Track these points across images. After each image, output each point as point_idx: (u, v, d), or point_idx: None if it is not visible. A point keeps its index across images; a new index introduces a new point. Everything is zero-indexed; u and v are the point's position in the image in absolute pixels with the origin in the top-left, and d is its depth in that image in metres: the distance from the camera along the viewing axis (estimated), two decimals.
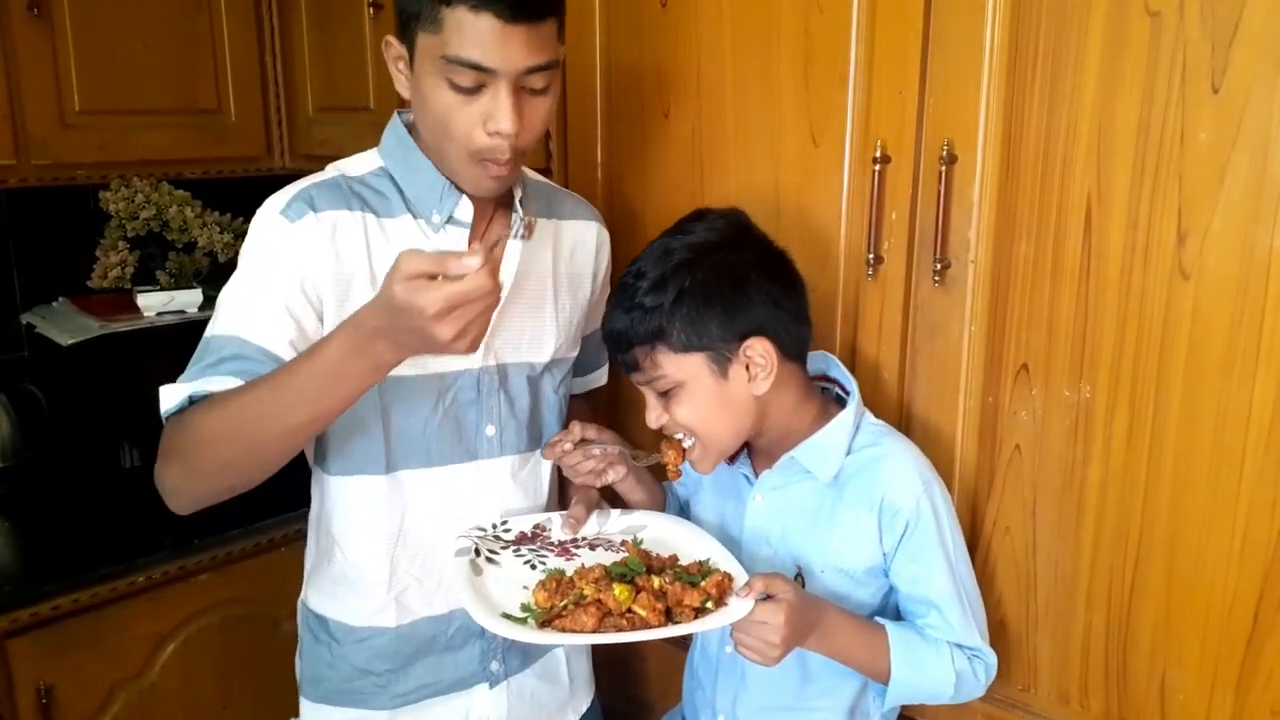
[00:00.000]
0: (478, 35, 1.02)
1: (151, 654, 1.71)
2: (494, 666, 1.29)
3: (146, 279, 2.00)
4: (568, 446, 1.23)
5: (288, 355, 1.09)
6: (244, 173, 2.10)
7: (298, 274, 1.11)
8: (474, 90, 1.06)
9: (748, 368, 1.11)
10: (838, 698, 1.20)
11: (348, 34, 1.91)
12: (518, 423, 1.27)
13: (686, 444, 1.17)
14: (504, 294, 1.15)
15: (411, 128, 1.19)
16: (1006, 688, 1.25)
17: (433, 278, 0.90)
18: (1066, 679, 1.21)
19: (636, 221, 1.53)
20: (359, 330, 0.96)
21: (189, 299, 1.96)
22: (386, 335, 0.95)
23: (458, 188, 1.17)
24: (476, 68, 1.04)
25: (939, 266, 1.20)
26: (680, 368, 1.11)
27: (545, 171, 1.58)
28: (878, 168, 1.22)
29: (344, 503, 1.25)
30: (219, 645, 1.79)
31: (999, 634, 1.23)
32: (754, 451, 1.24)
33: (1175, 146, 1.02)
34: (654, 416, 1.15)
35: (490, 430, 1.25)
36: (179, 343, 1.89)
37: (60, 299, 2.02)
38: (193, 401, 1.08)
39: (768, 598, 1.03)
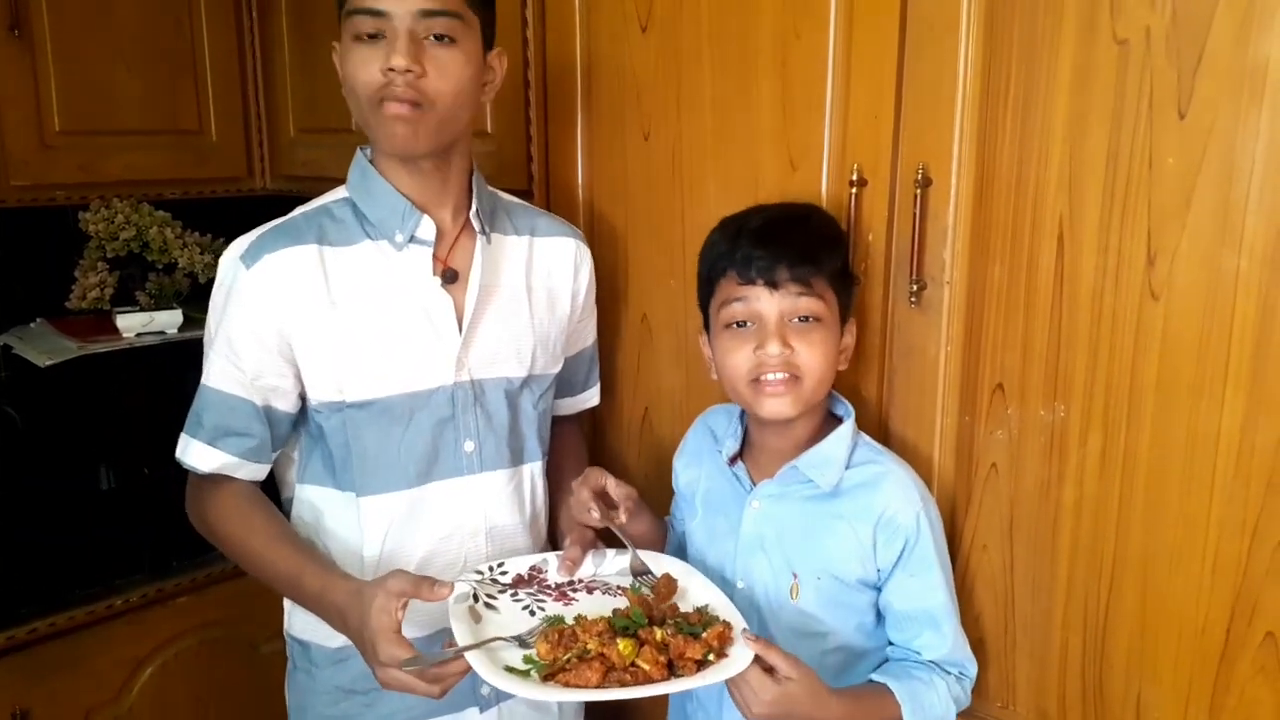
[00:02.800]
0: None
1: (129, 678, 1.70)
2: (484, 690, 1.29)
3: (126, 300, 1.99)
4: (595, 516, 1.21)
5: (260, 401, 1.21)
6: (225, 193, 2.10)
7: (259, 322, 1.18)
8: (375, 38, 1.12)
9: (840, 352, 1.19)
10: None
11: (329, 55, 1.90)
12: (497, 438, 1.28)
13: (778, 376, 1.15)
14: (471, 299, 1.23)
15: (373, 160, 1.24)
16: (986, 705, 1.26)
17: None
18: (1044, 697, 1.22)
19: (618, 243, 1.54)
20: (327, 592, 1.12)
21: (169, 320, 1.95)
22: (340, 618, 1.09)
23: (417, 207, 1.21)
24: (371, 12, 1.11)
25: (915, 288, 1.22)
26: (831, 308, 1.16)
27: (527, 193, 1.59)
28: (854, 190, 1.24)
29: (323, 524, 1.25)
30: (197, 668, 1.78)
31: (978, 651, 1.24)
32: (751, 461, 1.25)
33: (1144, 171, 1.04)
34: (776, 346, 1.13)
35: (469, 446, 1.25)
36: (158, 364, 1.90)
37: (38, 320, 2.01)
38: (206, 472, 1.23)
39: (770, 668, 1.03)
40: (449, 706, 1.26)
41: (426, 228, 1.22)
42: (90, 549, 1.77)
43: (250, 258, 1.18)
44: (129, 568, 1.69)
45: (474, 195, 1.26)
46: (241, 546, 1.22)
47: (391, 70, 1.11)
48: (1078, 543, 1.15)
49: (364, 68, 1.13)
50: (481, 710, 1.29)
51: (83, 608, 1.62)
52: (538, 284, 1.33)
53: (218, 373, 1.21)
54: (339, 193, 1.26)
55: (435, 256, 1.23)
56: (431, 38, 1.13)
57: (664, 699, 1.39)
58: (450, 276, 1.24)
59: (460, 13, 1.15)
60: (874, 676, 1.16)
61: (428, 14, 1.12)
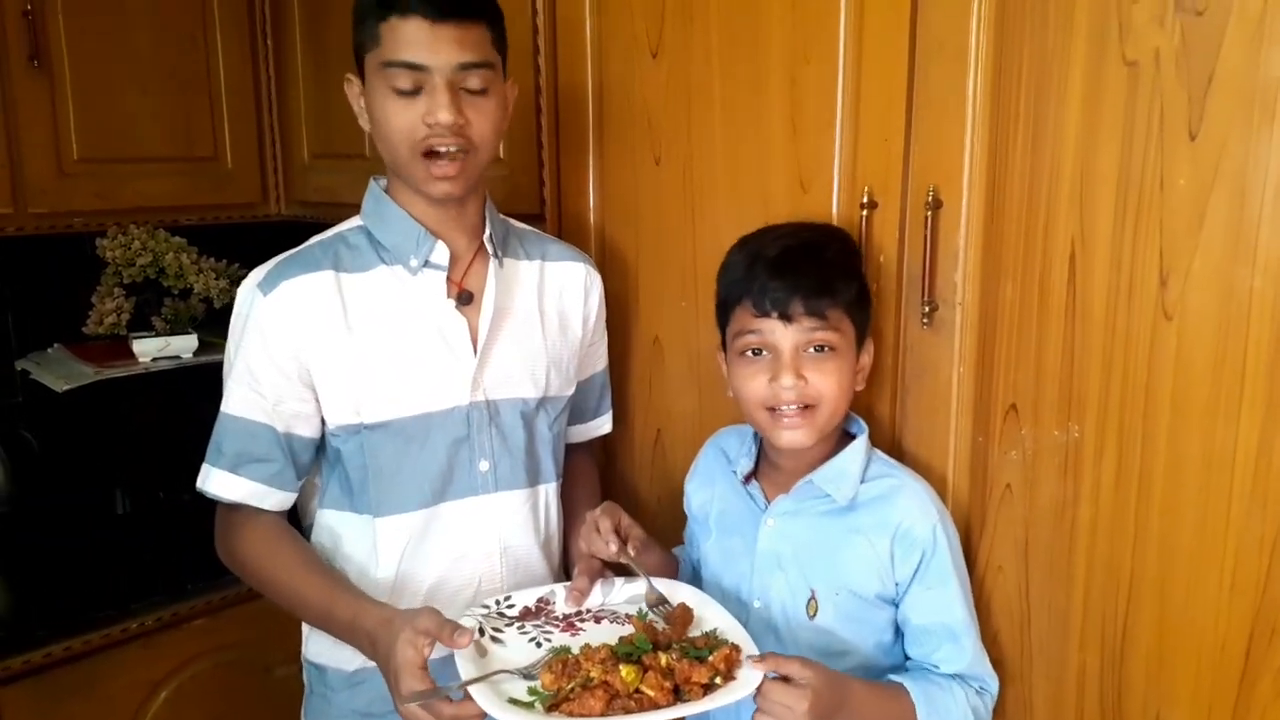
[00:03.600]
0: (408, 37, 1.13)
1: (144, 701, 1.70)
2: None
3: (142, 325, 2.01)
4: (613, 549, 1.20)
5: (281, 427, 1.23)
6: (240, 219, 2.12)
7: (278, 348, 1.20)
8: (413, 93, 1.14)
9: (857, 372, 1.20)
10: None
11: (343, 83, 1.93)
12: (512, 459, 1.28)
13: (795, 414, 1.15)
14: (485, 320, 1.25)
15: (386, 189, 1.27)
16: None
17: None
18: (1062, 718, 1.21)
19: (629, 265, 1.55)
20: (360, 618, 1.12)
21: (184, 345, 1.97)
22: (371, 644, 1.09)
23: (431, 233, 1.23)
24: (410, 66, 1.13)
25: (927, 309, 1.22)
26: (846, 336, 1.17)
27: (538, 218, 1.60)
28: (865, 212, 1.25)
29: (341, 548, 1.26)
30: (212, 692, 1.78)
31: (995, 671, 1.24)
32: (766, 480, 1.25)
33: (1155, 191, 1.04)
34: (790, 379, 1.14)
35: (484, 466, 1.26)
36: (174, 389, 1.91)
37: (56, 345, 2.03)
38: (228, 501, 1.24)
39: (784, 678, 1.02)
40: None
41: (441, 252, 1.24)
42: (105, 572, 1.77)
43: (268, 285, 1.20)
44: (144, 591, 1.70)
45: (487, 220, 1.28)
46: (271, 578, 1.23)
47: (436, 124, 1.14)
48: (1094, 563, 1.15)
49: (406, 122, 1.15)
50: None
51: (98, 631, 1.62)
52: (550, 307, 1.34)
53: (238, 400, 1.22)
54: (353, 221, 1.28)
55: (450, 280, 1.25)
56: (466, 89, 1.16)
57: None
58: (465, 299, 1.26)
59: (493, 61, 1.18)
60: (890, 677, 1.15)
61: (466, 67, 1.15)
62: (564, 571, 1.39)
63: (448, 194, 1.20)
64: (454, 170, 1.17)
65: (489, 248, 1.27)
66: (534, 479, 1.32)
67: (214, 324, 1.87)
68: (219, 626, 1.77)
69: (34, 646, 1.56)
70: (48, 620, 1.61)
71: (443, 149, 1.16)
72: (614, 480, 1.65)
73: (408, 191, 1.23)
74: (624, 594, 1.23)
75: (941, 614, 1.16)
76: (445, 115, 1.13)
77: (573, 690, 1.01)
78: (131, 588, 1.70)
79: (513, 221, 1.38)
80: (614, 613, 1.20)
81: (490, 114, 1.19)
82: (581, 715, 0.98)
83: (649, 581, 1.20)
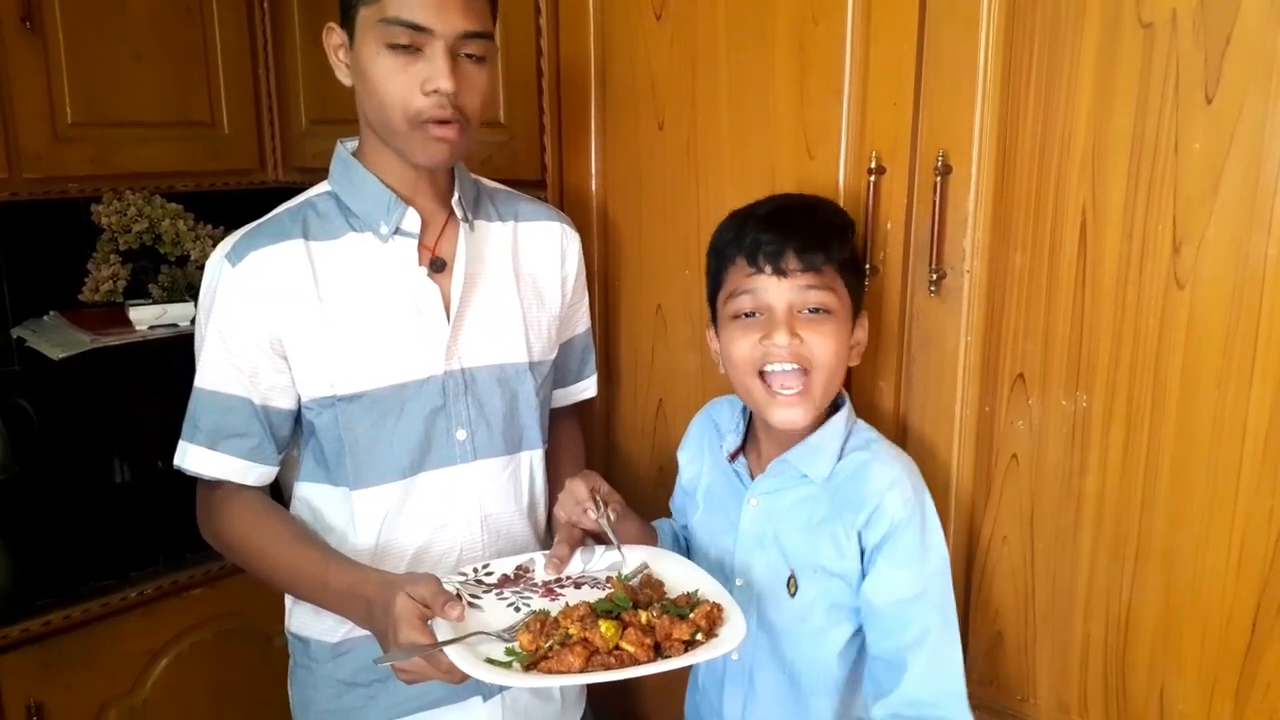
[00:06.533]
0: None
1: (144, 670, 1.70)
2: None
3: (139, 292, 2.00)
4: (592, 515, 1.18)
5: (258, 399, 1.20)
6: (237, 185, 2.10)
7: (251, 320, 1.18)
8: (411, 51, 1.12)
9: (852, 347, 1.17)
10: (832, 701, 1.19)
11: None
12: (489, 426, 1.27)
13: (791, 382, 1.12)
14: (457, 287, 1.24)
15: (355, 152, 1.25)
16: (1005, 698, 1.25)
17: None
18: (1066, 690, 1.20)
19: (632, 233, 1.53)
20: (358, 585, 1.10)
21: (181, 312, 1.95)
22: (367, 608, 1.08)
23: (402, 199, 1.22)
24: (414, 27, 1.11)
25: (935, 277, 1.20)
26: (842, 301, 1.14)
27: (540, 184, 1.58)
28: (873, 179, 1.23)
29: (321, 521, 1.25)
30: (211, 661, 1.78)
31: (997, 644, 1.23)
32: (753, 457, 1.24)
33: (1169, 156, 1.02)
34: (784, 337, 1.10)
35: (461, 435, 1.25)
36: (171, 356, 1.89)
37: (51, 313, 2.01)
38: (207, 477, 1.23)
39: None
40: (452, 696, 1.26)
41: (411, 219, 1.22)
42: (104, 541, 1.77)
43: (235, 256, 1.18)
44: (143, 560, 1.69)
45: (456, 184, 1.26)
46: (259, 552, 1.21)
47: (435, 92, 1.12)
48: (1100, 534, 1.14)
49: (402, 86, 1.13)
50: (485, 699, 1.29)
51: (97, 600, 1.62)
52: (524, 270, 1.33)
53: (212, 373, 1.20)
54: (321, 187, 1.26)
55: (423, 246, 1.24)
56: (464, 55, 1.15)
57: (678, 692, 1.38)
58: (438, 265, 1.24)
59: (491, 32, 1.17)
60: None
61: (468, 35, 1.13)
62: (549, 539, 1.38)
63: (440, 163, 1.18)
64: (453, 134, 1.15)
65: (458, 212, 1.25)
66: (515, 446, 1.30)
67: None
68: (218, 596, 1.77)
69: (33, 615, 1.56)
70: (47, 589, 1.61)
71: (438, 119, 1.14)
72: (616, 449, 1.64)
73: (379, 155, 1.21)
74: (604, 561, 1.21)
75: (903, 599, 1.09)
76: (446, 83, 1.11)
77: (551, 648, 0.99)
78: (131, 557, 1.70)
79: (484, 181, 1.36)
80: (594, 579, 1.19)
81: (483, 84, 1.18)
82: (560, 672, 0.97)
83: (620, 549, 1.18)
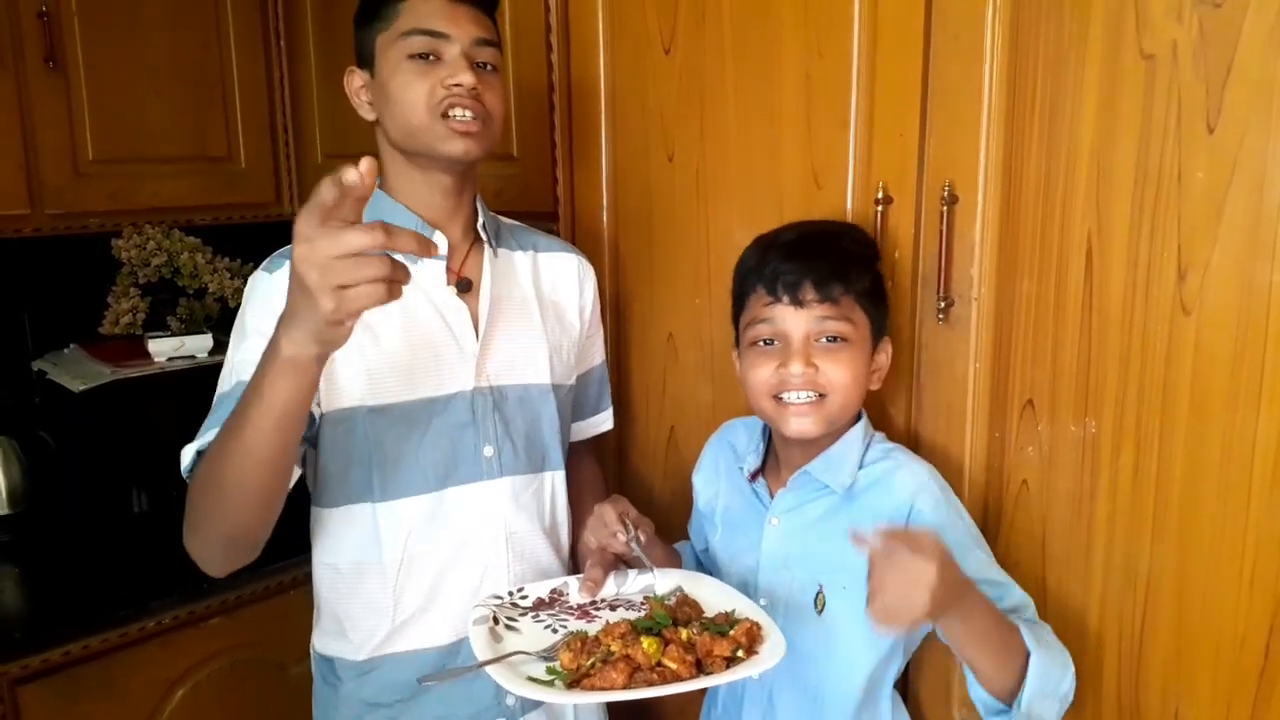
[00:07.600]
0: (430, 9, 1.19)
1: (161, 700, 1.70)
2: (509, 701, 1.29)
3: (158, 325, 2.02)
4: (621, 538, 1.18)
5: None
6: (254, 219, 2.13)
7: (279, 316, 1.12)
8: (430, 58, 1.19)
9: (873, 371, 1.19)
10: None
11: None
12: (514, 444, 1.29)
13: (805, 397, 1.13)
14: (484, 305, 1.26)
15: (380, 186, 1.26)
16: None
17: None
18: (1079, 715, 1.20)
19: (642, 264, 1.55)
20: (264, 351, 0.95)
21: (199, 344, 1.98)
22: (289, 318, 0.90)
23: (430, 225, 1.25)
24: (431, 33, 1.18)
25: (943, 305, 1.21)
26: (860, 329, 1.16)
27: (551, 216, 1.61)
28: (880, 208, 1.24)
29: (343, 535, 1.26)
30: (228, 690, 1.78)
31: None
32: (773, 477, 1.25)
33: (1173, 185, 1.04)
34: (799, 366, 1.12)
35: (488, 451, 1.27)
36: (190, 388, 1.92)
37: (72, 345, 2.04)
38: (200, 455, 1.12)
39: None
40: (475, 717, 1.27)
41: (439, 242, 1.25)
42: (123, 571, 1.78)
43: (272, 266, 1.21)
44: (161, 590, 1.70)
45: (480, 211, 1.31)
46: (219, 453, 1.03)
47: (457, 86, 1.18)
48: (1111, 560, 1.14)
49: (419, 86, 1.18)
50: None
51: (115, 629, 1.63)
52: (546, 295, 1.37)
53: (245, 367, 1.09)
54: None
55: (448, 269, 1.27)
56: (478, 65, 1.21)
57: (693, 715, 1.38)
58: (464, 286, 1.28)
59: (500, 43, 1.24)
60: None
61: (481, 42, 1.21)
62: (572, 565, 1.39)
63: (467, 151, 1.21)
64: (476, 127, 1.20)
65: (484, 236, 1.30)
66: (538, 465, 1.32)
67: (229, 323, 1.86)
68: (235, 626, 1.78)
69: (52, 645, 1.57)
70: (66, 619, 1.62)
71: (461, 114, 1.19)
72: (628, 477, 1.65)
73: (404, 183, 1.25)
74: (637, 585, 1.23)
75: (977, 575, 1.08)
76: (466, 77, 1.18)
77: (593, 665, 0.99)
78: (149, 587, 1.71)
79: (500, 217, 1.40)
80: (629, 601, 1.20)
81: (500, 91, 1.24)
82: (603, 688, 0.97)
83: (654, 571, 1.20)
